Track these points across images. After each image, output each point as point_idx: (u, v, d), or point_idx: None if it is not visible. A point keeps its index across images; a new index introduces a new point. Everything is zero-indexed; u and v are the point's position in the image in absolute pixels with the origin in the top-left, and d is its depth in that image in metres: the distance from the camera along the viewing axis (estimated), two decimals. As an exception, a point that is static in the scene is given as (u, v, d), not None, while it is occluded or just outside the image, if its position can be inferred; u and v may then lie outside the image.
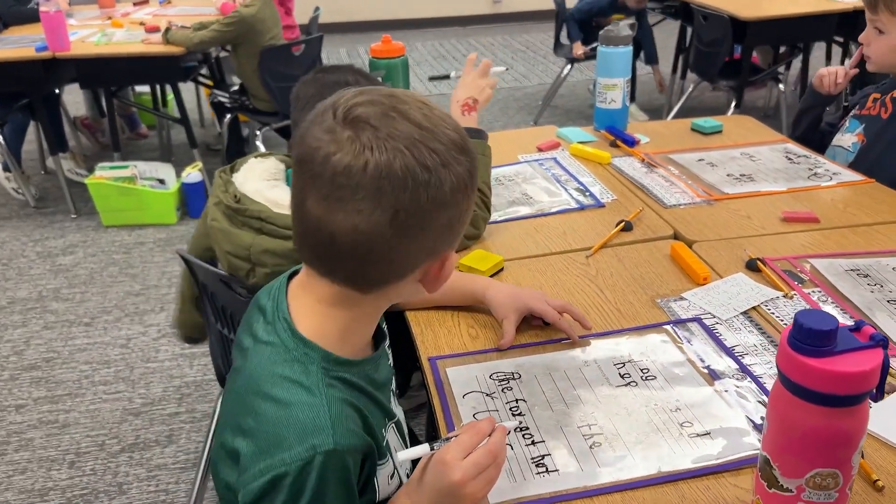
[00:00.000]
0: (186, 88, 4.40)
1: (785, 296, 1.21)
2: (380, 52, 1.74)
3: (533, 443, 0.92)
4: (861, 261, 1.32)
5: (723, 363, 1.05)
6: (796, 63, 4.25)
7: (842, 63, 4.33)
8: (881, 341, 0.69)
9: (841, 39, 4.07)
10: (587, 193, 1.61)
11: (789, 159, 1.77)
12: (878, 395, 0.70)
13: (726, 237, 1.42)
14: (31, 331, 2.61)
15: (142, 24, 3.67)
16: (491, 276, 1.31)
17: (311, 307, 0.77)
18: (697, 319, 1.16)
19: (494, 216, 1.48)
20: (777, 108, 4.33)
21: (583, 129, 1.98)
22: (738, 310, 1.18)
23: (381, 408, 0.82)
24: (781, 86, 3.88)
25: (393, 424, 0.86)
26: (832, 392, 0.68)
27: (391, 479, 0.84)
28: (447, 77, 1.67)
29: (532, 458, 0.89)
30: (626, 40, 1.85)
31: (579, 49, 4.19)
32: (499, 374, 1.05)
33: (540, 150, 1.88)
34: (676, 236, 1.44)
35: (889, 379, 1.00)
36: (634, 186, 1.64)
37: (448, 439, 0.78)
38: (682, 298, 1.22)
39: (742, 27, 3.52)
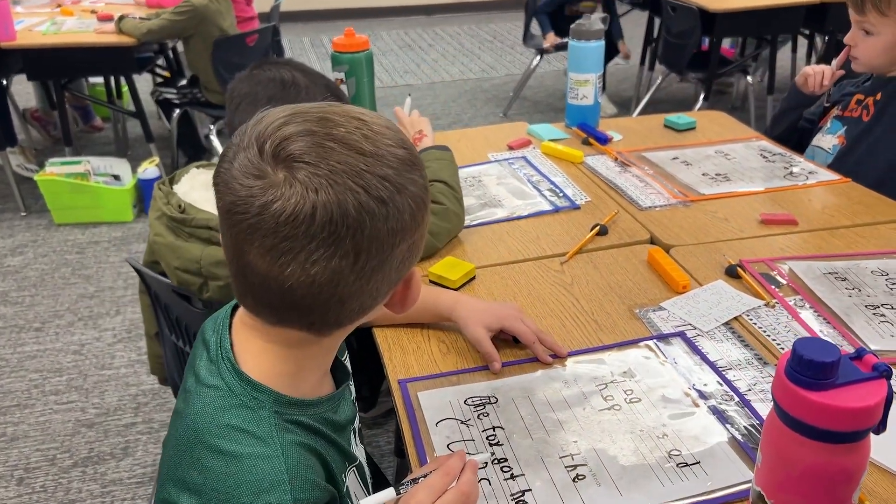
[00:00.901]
0: (143, 80, 4.25)
1: (766, 304, 1.17)
2: (343, 46, 1.66)
3: (512, 476, 0.86)
4: (839, 263, 1.28)
5: (709, 382, 1.00)
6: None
7: (808, 56, 4.34)
8: (885, 371, 0.64)
9: (808, 32, 4.08)
10: (560, 195, 1.55)
11: (765, 157, 1.73)
12: (881, 427, 0.65)
13: (704, 241, 1.37)
14: (-23, 337, 2.48)
15: (93, 12, 3.51)
16: (462, 285, 1.24)
17: (262, 348, 0.70)
18: (681, 334, 1.10)
19: (466, 220, 1.41)
20: (745, 101, 4.33)
21: (554, 125, 1.92)
22: (720, 320, 1.13)
23: (340, 451, 0.75)
24: (749, 78, 3.87)
25: (354, 468, 0.78)
26: (835, 429, 0.63)
27: None
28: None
29: (511, 495, 0.83)
30: (597, 34, 1.79)
31: (551, 40, 4.13)
32: (474, 399, 0.98)
33: (510, 148, 1.81)
34: (653, 240, 1.39)
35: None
36: (608, 187, 1.59)
37: (415, 480, 0.71)
38: (661, 308, 1.17)
39: (710, 19, 3.49)
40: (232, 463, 0.64)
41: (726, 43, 4.48)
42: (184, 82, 3.60)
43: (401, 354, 1.09)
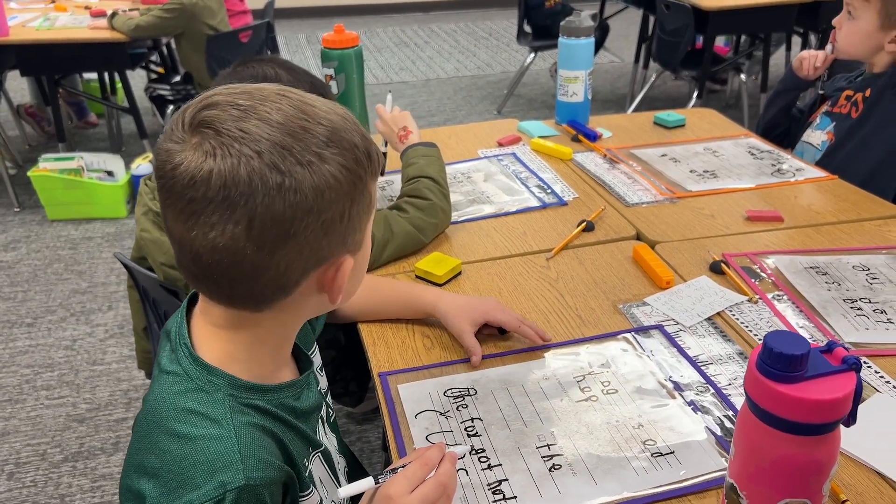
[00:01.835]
0: (138, 76, 4.25)
1: (749, 300, 1.17)
2: (332, 43, 1.66)
3: (489, 466, 0.86)
4: (821, 258, 1.29)
5: (685, 374, 1.01)
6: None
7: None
8: (854, 364, 0.65)
9: (801, 30, 4.08)
10: (548, 191, 1.56)
11: (753, 155, 1.74)
12: (851, 420, 0.66)
13: (690, 237, 1.38)
14: (-31, 333, 2.48)
15: (87, 7, 3.51)
16: (448, 281, 1.25)
17: (211, 332, 0.71)
18: (659, 327, 1.11)
19: (453, 216, 1.42)
20: (739, 98, 4.33)
21: (544, 122, 1.93)
22: (702, 316, 1.14)
23: (302, 436, 0.75)
24: (743, 76, 3.88)
25: (319, 454, 0.79)
26: (804, 420, 0.64)
27: None
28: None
29: (489, 485, 0.84)
30: (587, 31, 1.79)
31: None
32: (454, 391, 0.99)
33: (500, 144, 1.82)
34: (639, 237, 1.40)
35: (856, 389, 0.97)
36: (596, 183, 1.60)
37: (394, 471, 0.72)
38: (644, 304, 1.18)
39: (704, 17, 3.49)
40: (187, 445, 0.65)
41: (721, 41, 4.48)
42: (178, 79, 3.60)
43: (385, 349, 1.09)
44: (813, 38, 4.17)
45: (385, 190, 1.59)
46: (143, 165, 3.25)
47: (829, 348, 0.66)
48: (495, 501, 0.82)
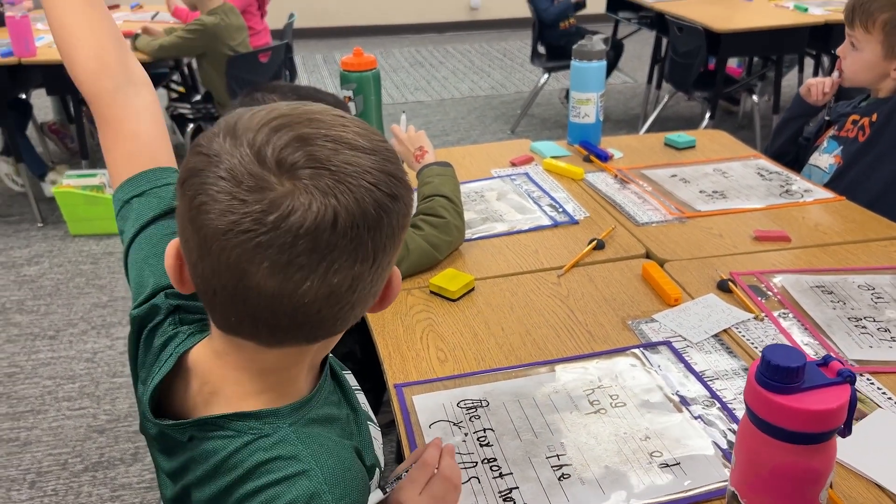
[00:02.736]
0: (159, 95, 4.34)
1: (755, 318, 1.20)
2: (351, 66, 1.72)
3: (501, 475, 0.90)
4: (827, 277, 1.32)
5: (692, 389, 1.04)
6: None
7: (815, 75, 4.38)
8: (849, 377, 0.68)
9: (814, 52, 4.12)
10: (560, 210, 1.60)
11: (762, 176, 1.77)
12: (846, 430, 0.69)
13: (698, 256, 1.41)
14: (-6, 344, 2.54)
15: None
16: (462, 296, 1.29)
17: (237, 377, 0.67)
18: (667, 343, 1.14)
19: (467, 234, 1.46)
20: (751, 119, 4.36)
21: (556, 142, 1.97)
22: (709, 332, 1.17)
23: (355, 412, 0.77)
24: (755, 97, 3.91)
25: (370, 423, 0.81)
26: (800, 430, 0.67)
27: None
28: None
29: (500, 492, 0.87)
30: (599, 55, 1.84)
31: None
32: (466, 402, 1.02)
33: (513, 164, 1.86)
34: (648, 255, 1.43)
35: (858, 406, 1.00)
36: (607, 203, 1.63)
37: (399, 478, 0.75)
38: (652, 320, 1.21)
39: (716, 39, 3.54)
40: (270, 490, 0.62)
41: (734, 62, 4.53)
42: (198, 98, 3.68)
43: (400, 361, 1.13)
44: (826, 60, 4.21)
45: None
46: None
47: (825, 362, 0.70)
48: (506, 508, 0.85)
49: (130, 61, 0.84)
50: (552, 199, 1.65)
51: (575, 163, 1.84)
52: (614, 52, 4.34)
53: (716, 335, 1.17)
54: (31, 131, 4.20)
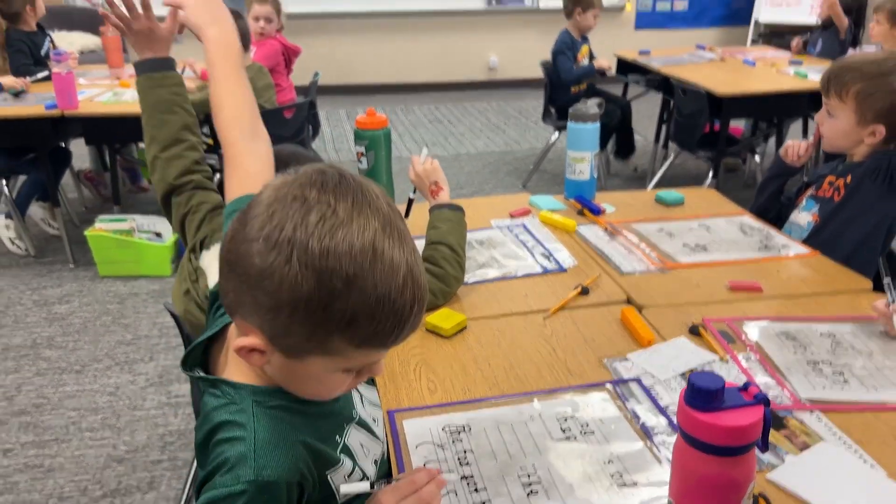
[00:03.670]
0: (188, 145, 4.58)
1: (720, 359, 1.32)
2: (364, 124, 1.89)
3: (476, 490, 1.01)
4: (793, 325, 1.43)
5: (656, 421, 1.15)
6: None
7: (805, 137, 4.53)
8: (762, 399, 0.79)
9: (812, 115, 4.27)
10: (551, 258, 1.73)
11: (744, 232, 1.89)
12: (764, 446, 0.80)
13: (675, 303, 1.53)
14: (24, 377, 2.69)
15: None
16: (455, 334, 1.41)
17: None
18: (637, 380, 1.26)
19: (465, 278, 1.59)
20: (755, 178, 4.49)
21: (554, 196, 2.12)
22: (676, 371, 1.28)
23: (334, 416, 0.91)
24: (757, 157, 4.06)
25: (354, 424, 0.94)
26: (720, 443, 0.78)
27: (348, 478, 0.90)
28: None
29: None
30: (594, 118, 2.00)
31: (603, 63, 4.44)
32: (451, 427, 1.14)
33: (512, 216, 2.00)
34: (629, 301, 1.55)
35: (805, 438, 1.10)
36: (595, 253, 1.76)
37: (388, 482, 0.87)
38: (626, 359, 1.33)
39: (718, 102, 3.70)
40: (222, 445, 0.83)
41: (741, 122, 4.69)
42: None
43: (394, 390, 1.26)
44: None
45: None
46: (189, 228, 3.51)
47: (745, 387, 0.81)
48: (477, 516, 0.96)
49: (257, 122, 1.21)
50: (545, 248, 1.79)
51: (570, 215, 1.98)
52: (622, 113, 4.52)
53: (682, 373, 1.28)
54: (66, 178, 4.45)
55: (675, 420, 1.15)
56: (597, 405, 1.19)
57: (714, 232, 1.89)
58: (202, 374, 0.90)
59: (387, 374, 1.30)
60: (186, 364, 0.91)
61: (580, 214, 2.01)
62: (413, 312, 0.76)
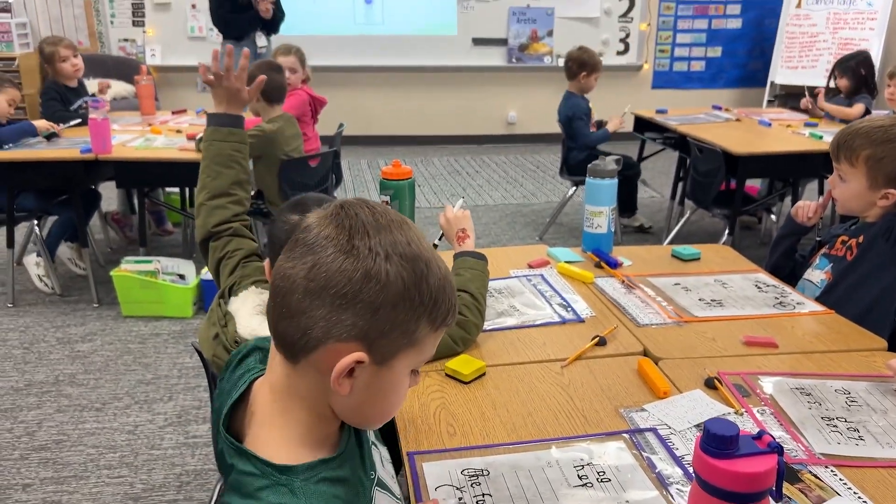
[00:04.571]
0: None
1: (735, 412, 1.34)
2: (390, 175, 1.96)
3: (493, 530, 1.03)
4: (807, 381, 1.45)
5: (672, 470, 1.17)
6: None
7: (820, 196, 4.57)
8: (776, 448, 0.82)
9: (827, 176, 4.31)
10: (569, 309, 1.77)
11: (759, 288, 1.93)
12: (777, 494, 0.83)
13: (691, 356, 1.56)
14: (45, 413, 2.73)
15: (178, 131, 3.99)
16: (474, 380, 1.45)
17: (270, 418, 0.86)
18: (654, 430, 1.28)
19: (484, 325, 1.63)
20: (771, 237, 4.52)
21: (572, 249, 2.16)
22: (692, 423, 1.30)
23: (362, 484, 0.92)
24: (773, 216, 4.09)
25: (376, 487, 0.96)
26: (734, 489, 0.81)
27: None
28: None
29: (489, 543, 1.00)
30: (611, 174, 2.06)
31: (616, 123, 4.48)
32: (469, 470, 1.17)
33: (530, 266, 2.05)
34: (646, 353, 1.58)
35: (820, 493, 1.12)
36: (612, 305, 1.80)
37: None
38: (643, 409, 1.35)
39: (734, 161, 3.76)
40: None
41: (756, 181, 4.74)
42: (251, 195, 3.99)
43: (415, 433, 1.29)
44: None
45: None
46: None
47: (759, 436, 0.84)
48: (495, 557, 0.98)
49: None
50: (563, 298, 1.83)
51: (587, 268, 2.02)
52: (632, 171, 4.60)
53: (697, 425, 1.30)
54: (94, 219, 4.57)
55: (690, 470, 1.17)
56: (613, 453, 1.21)
57: (730, 288, 1.92)
58: (242, 446, 0.85)
59: (407, 416, 1.33)
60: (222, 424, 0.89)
61: (597, 267, 2.05)
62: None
